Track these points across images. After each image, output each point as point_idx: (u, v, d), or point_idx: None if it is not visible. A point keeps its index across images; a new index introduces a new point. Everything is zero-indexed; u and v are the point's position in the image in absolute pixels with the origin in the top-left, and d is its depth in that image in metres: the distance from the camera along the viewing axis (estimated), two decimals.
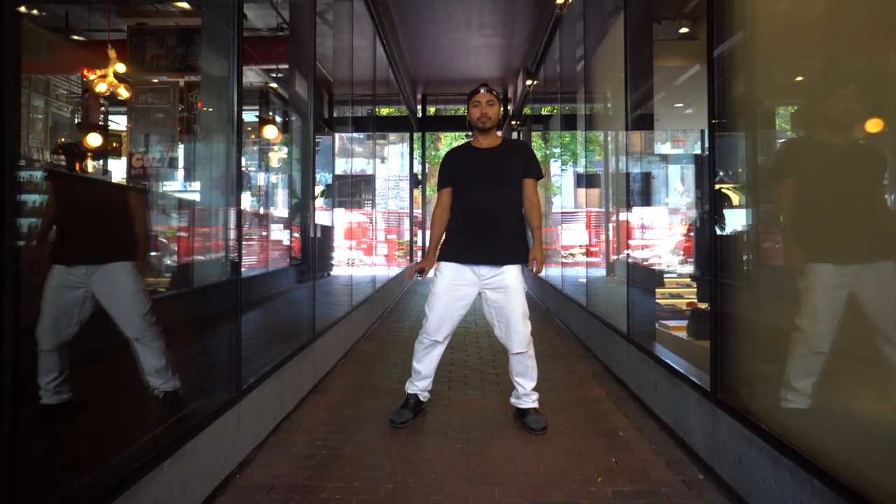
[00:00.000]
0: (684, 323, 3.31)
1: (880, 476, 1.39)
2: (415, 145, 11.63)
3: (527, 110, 9.17)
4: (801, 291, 1.87)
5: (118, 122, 5.01)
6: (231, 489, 2.00)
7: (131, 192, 3.38)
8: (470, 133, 2.82)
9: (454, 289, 2.65)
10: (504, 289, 2.61)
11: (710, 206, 2.31)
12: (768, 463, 1.72)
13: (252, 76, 6.87)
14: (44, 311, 1.99)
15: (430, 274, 2.78)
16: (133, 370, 2.25)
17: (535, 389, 2.70)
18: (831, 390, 1.79)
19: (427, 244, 2.75)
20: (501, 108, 2.73)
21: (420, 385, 2.75)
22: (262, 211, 8.20)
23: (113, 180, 4.05)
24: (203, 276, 3.16)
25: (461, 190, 2.70)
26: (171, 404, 2.20)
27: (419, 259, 11.03)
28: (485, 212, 2.62)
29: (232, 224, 2.39)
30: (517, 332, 2.60)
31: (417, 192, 11.74)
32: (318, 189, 7.42)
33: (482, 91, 2.67)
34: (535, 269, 2.65)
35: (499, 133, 2.78)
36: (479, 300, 2.73)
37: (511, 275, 2.61)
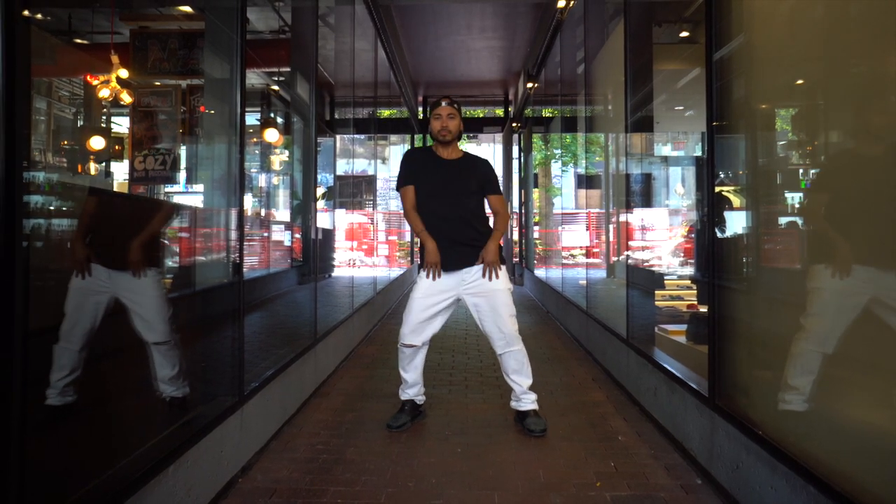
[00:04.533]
0: (684, 327, 3.34)
1: (875, 485, 1.41)
2: (416, 146, 11.65)
3: (528, 112, 9.19)
4: (809, 291, 1.87)
5: (121, 125, 5.04)
6: (233, 494, 2.03)
7: (159, 204, 3.43)
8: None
9: (430, 294, 2.68)
10: (489, 292, 2.65)
11: (709, 208, 2.32)
12: (765, 469, 1.73)
13: (254, 78, 6.89)
14: (67, 311, 2.03)
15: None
16: (137, 374, 2.28)
17: (532, 389, 2.72)
18: (829, 397, 1.81)
19: (421, 240, 2.71)
20: (462, 122, 2.78)
21: (411, 392, 2.79)
22: (263, 212, 8.22)
23: (141, 194, 4.09)
24: (204, 279, 3.18)
25: (422, 197, 2.73)
26: (177, 408, 2.22)
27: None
28: (448, 220, 2.67)
29: (234, 226, 2.42)
30: (503, 331, 2.65)
31: None
32: (320, 191, 7.44)
33: (443, 104, 2.71)
34: (483, 269, 2.64)
35: (460, 146, 2.84)
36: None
37: (496, 279, 2.65)
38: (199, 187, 4.19)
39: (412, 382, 2.78)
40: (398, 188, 2.79)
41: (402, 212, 2.92)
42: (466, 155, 2.83)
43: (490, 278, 2.64)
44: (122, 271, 2.17)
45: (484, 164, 2.85)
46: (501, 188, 2.90)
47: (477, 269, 2.67)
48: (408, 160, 2.81)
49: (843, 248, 1.79)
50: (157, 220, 2.47)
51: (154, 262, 2.27)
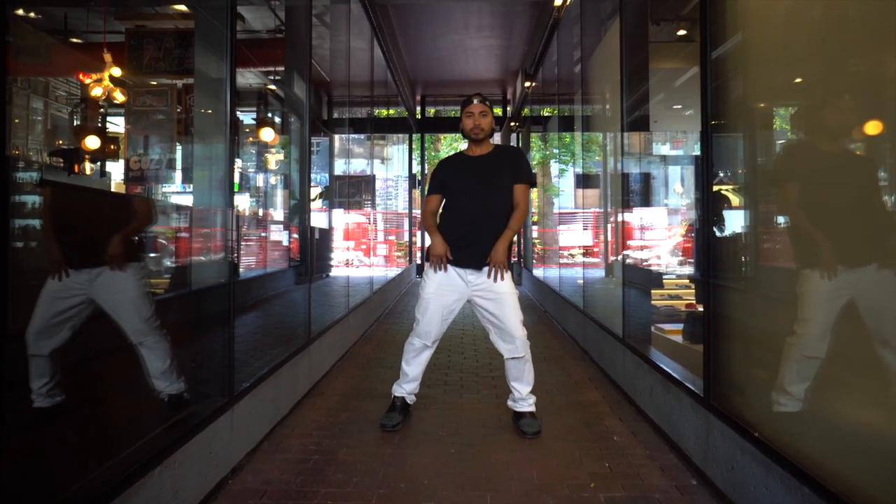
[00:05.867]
0: (680, 326, 3.31)
1: (869, 485, 1.39)
2: (414, 146, 11.63)
3: (525, 111, 9.17)
4: (798, 296, 1.87)
5: (117, 125, 5.01)
6: (223, 495, 2.00)
7: (136, 201, 3.40)
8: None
9: (443, 294, 2.65)
10: (496, 295, 2.61)
11: (705, 208, 2.30)
12: (760, 470, 1.71)
13: (251, 78, 6.88)
14: (36, 315, 2.00)
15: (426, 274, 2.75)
16: (125, 374, 2.25)
17: (531, 393, 2.70)
18: (824, 398, 1.79)
19: (429, 236, 2.71)
20: (494, 118, 2.74)
21: (408, 388, 2.76)
22: (260, 212, 8.20)
23: (115, 189, 4.06)
24: (196, 279, 3.16)
25: (451, 197, 2.71)
26: (174, 407, 2.20)
27: (419, 259, 11.02)
28: (473, 217, 2.63)
29: (224, 226, 2.39)
30: (514, 337, 2.60)
31: (417, 193, 11.75)
32: (317, 190, 7.42)
33: (475, 102, 2.67)
34: (489, 270, 2.59)
35: (492, 141, 2.78)
36: (470, 307, 2.74)
37: (501, 281, 2.61)
38: (194, 187, 4.17)
39: (412, 377, 2.75)
40: (427, 195, 2.82)
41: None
42: (496, 148, 2.76)
43: (496, 279, 2.59)
44: (99, 272, 2.14)
45: (512, 153, 2.81)
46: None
47: (486, 271, 2.62)
48: (437, 170, 2.80)
49: (826, 251, 1.79)
50: (138, 219, 2.43)
51: (132, 261, 2.23)
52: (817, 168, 1.91)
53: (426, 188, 2.84)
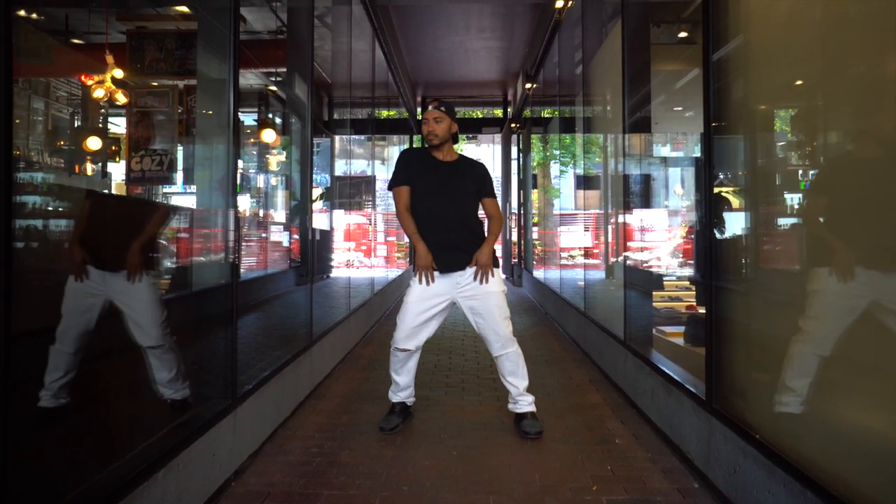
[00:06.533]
0: (682, 329, 3.32)
1: (872, 488, 1.39)
2: (412, 147, 11.63)
3: (526, 113, 9.17)
4: (809, 294, 1.85)
5: (118, 125, 5.01)
6: (226, 497, 2.01)
7: (155, 206, 3.40)
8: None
9: (425, 299, 2.66)
10: (482, 293, 2.63)
11: (706, 210, 2.30)
12: (763, 473, 1.71)
13: (252, 79, 6.87)
14: (64, 313, 2.01)
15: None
16: (130, 376, 2.25)
17: (529, 391, 2.71)
18: (826, 400, 1.79)
19: (412, 242, 2.70)
20: (455, 124, 2.77)
21: (402, 395, 2.78)
22: (261, 213, 8.20)
23: (140, 195, 4.07)
24: (197, 280, 3.15)
25: (418, 198, 2.70)
26: (178, 411, 2.20)
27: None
28: (444, 221, 2.66)
29: (227, 227, 2.39)
30: (498, 333, 2.64)
31: None
32: (318, 191, 7.42)
33: (430, 108, 2.72)
34: (475, 272, 2.62)
35: (455, 147, 2.83)
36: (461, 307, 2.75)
37: (488, 280, 2.63)
38: (194, 187, 4.16)
39: (404, 385, 2.77)
40: (391, 188, 2.76)
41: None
42: (462, 157, 2.84)
43: (482, 281, 2.62)
44: (115, 274, 2.15)
45: (480, 167, 2.84)
46: (499, 190, 2.88)
47: (471, 272, 2.65)
48: (403, 160, 2.79)
49: (844, 251, 1.77)
50: (153, 222, 2.43)
51: (148, 266, 2.24)
52: (850, 170, 1.87)
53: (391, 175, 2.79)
